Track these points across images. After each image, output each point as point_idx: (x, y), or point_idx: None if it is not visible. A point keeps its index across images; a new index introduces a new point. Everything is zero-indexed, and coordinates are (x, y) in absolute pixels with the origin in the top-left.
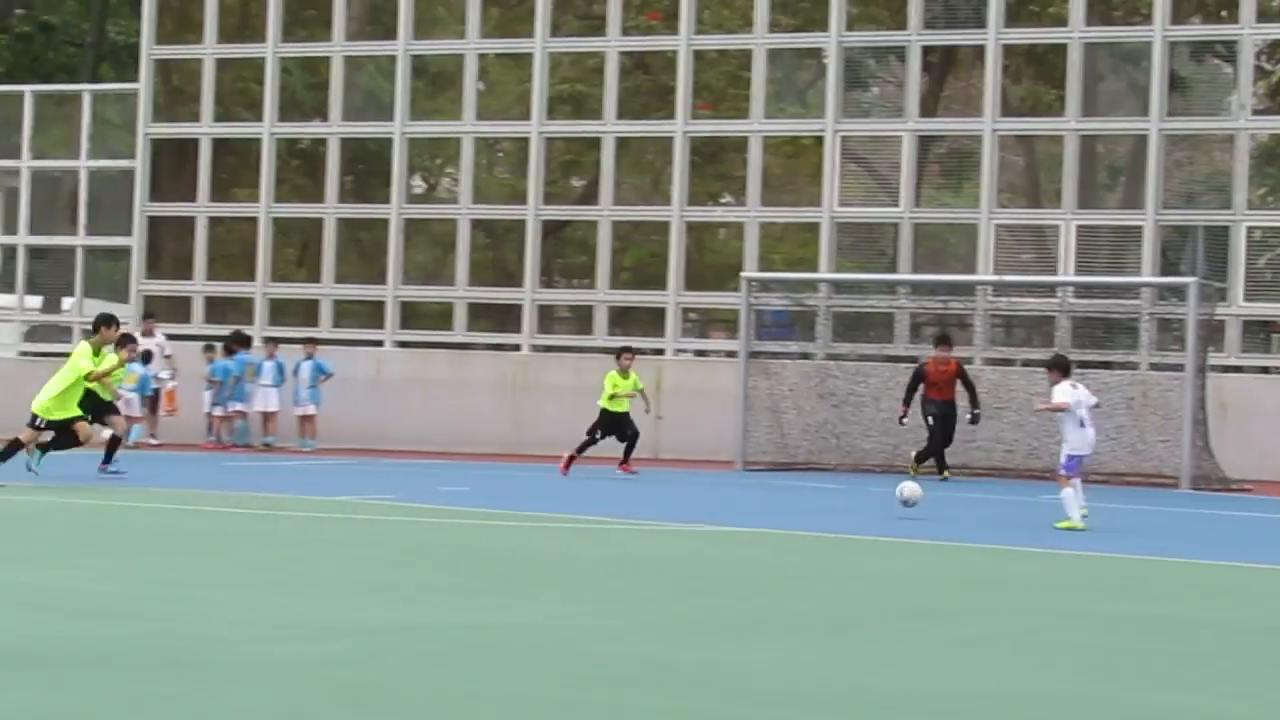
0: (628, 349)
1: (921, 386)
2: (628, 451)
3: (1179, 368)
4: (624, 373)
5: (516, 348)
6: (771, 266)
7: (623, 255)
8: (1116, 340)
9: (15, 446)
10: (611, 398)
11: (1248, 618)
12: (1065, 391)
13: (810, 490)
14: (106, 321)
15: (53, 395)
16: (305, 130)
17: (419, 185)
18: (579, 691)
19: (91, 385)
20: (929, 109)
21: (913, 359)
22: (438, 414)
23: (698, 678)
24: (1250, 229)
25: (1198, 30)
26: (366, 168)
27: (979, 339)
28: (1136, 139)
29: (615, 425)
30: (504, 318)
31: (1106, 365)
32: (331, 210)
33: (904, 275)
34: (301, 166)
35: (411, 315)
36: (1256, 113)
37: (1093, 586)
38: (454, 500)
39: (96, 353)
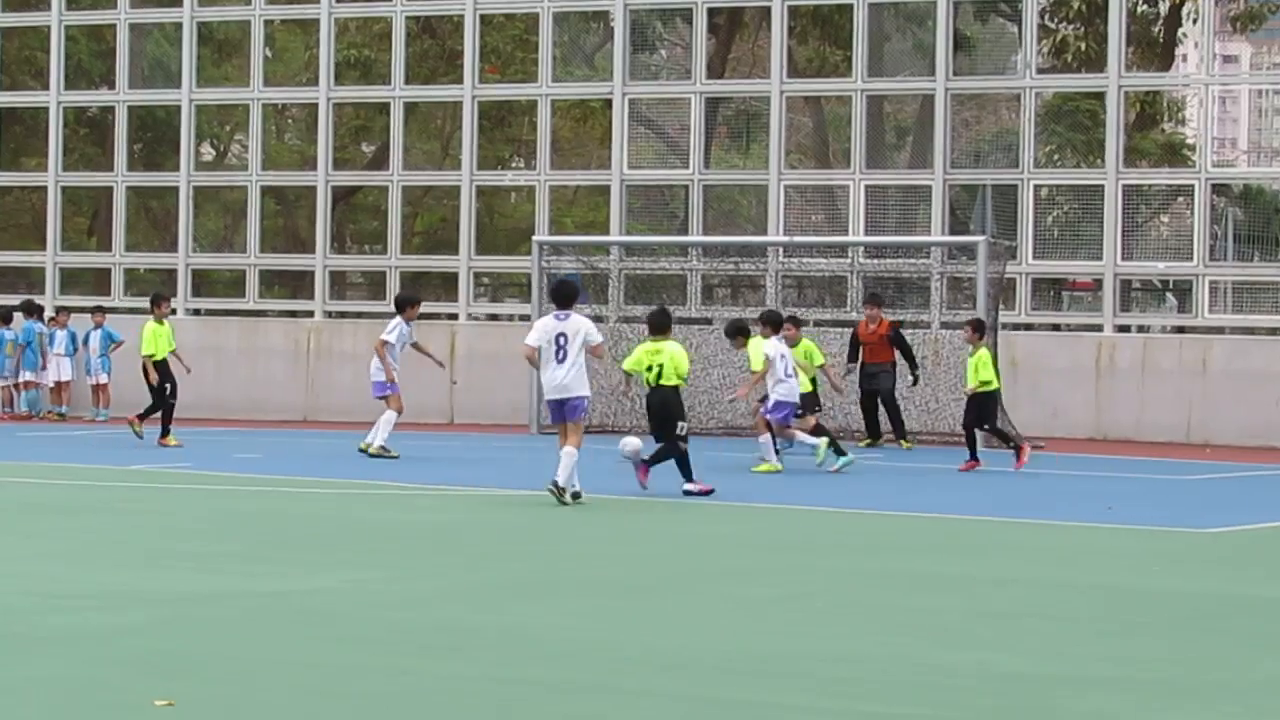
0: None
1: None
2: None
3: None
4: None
5: (309, 314)
6: (563, 230)
7: (414, 220)
8: (908, 299)
9: None
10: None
11: (1044, 574)
12: (771, 346)
13: (606, 453)
14: None
15: None
16: (93, 98)
17: (208, 152)
18: (378, 657)
19: None
20: (716, 71)
21: (706, 321)
22: (231, 381)
23: (498, 642)
24: (1038, 187)
25: None
26: (155, 135)
27: (771, 300)
28: (923, 99)
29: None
30: (296, 284)
31: (899, 324)
32: (121, 179)
33: (695, 237)
34: (90, 135)
35: (203, 283)
36: (1041, 71)
37: (891, 546)
38: (248, 468)
39: None
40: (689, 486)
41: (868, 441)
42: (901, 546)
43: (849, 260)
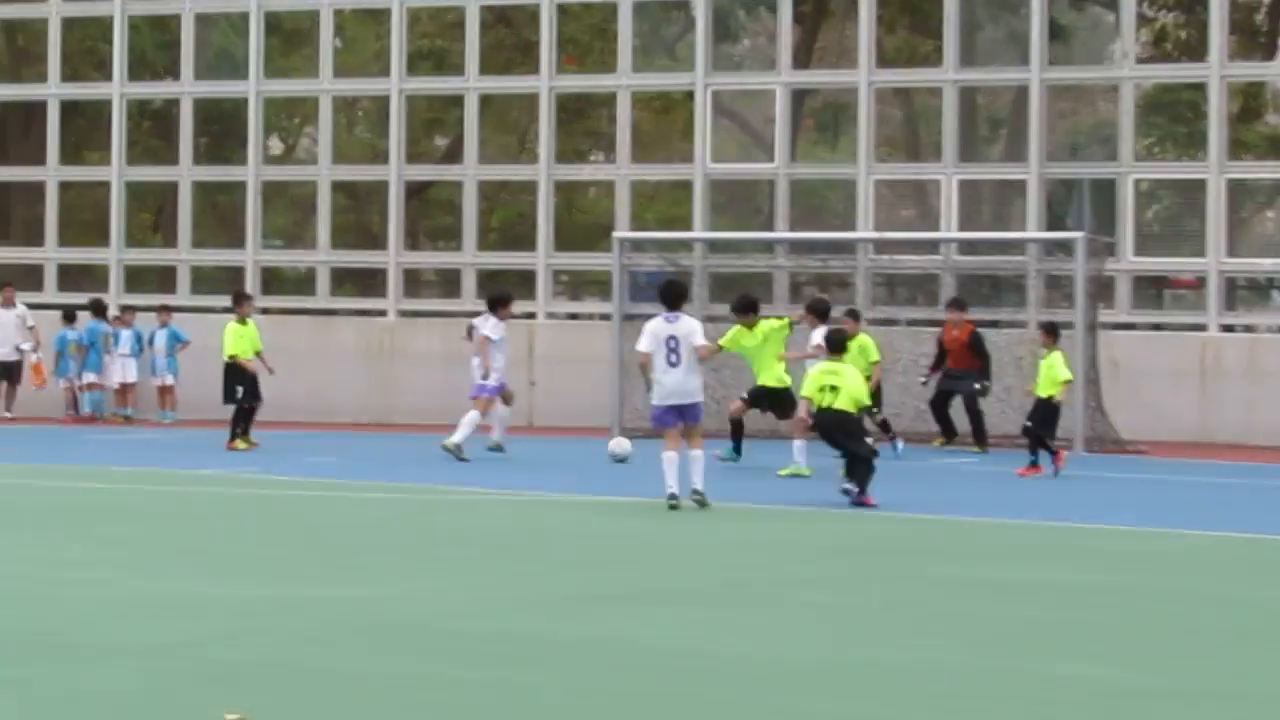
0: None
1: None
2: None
3: (1068, 325)
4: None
5: (382, 313)
6: (644, 226)
7: (489, 216)
8: (1003, 298)
9: None
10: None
11: (1143, 582)
12: (820, 336)
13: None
14: None
15: None
16: (157, 91)
17: (276, 146)
18: (455, 668)
19: None
20: (802, 61)
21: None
22: (302, 383)
23: (578, 652)
24: (1137, 181)
25: None
26: (221, 129)
27: (861, 298)
28: (1017, 90)
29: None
30: (368, 282)
31: (994, 324)
32: (186, 173)
33: (781, 233)
34: (154, 128)
35: (272, 281)
36: (1140, 61)
37: (986, 554)
38: (321, 472)
39: None
40: (862, 498)
41: (941, 441)
42: (990, 553)
43: (941, 257)
